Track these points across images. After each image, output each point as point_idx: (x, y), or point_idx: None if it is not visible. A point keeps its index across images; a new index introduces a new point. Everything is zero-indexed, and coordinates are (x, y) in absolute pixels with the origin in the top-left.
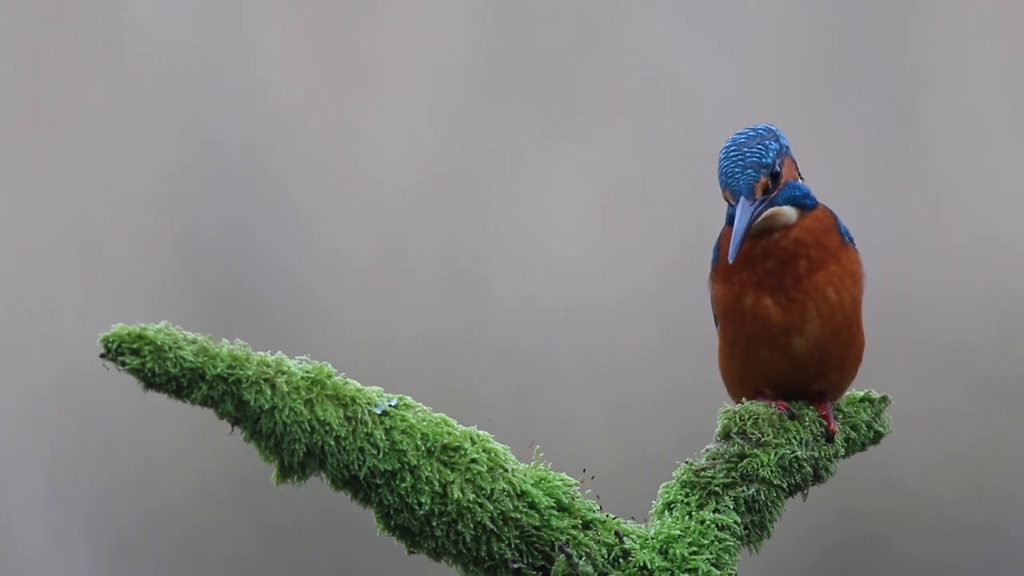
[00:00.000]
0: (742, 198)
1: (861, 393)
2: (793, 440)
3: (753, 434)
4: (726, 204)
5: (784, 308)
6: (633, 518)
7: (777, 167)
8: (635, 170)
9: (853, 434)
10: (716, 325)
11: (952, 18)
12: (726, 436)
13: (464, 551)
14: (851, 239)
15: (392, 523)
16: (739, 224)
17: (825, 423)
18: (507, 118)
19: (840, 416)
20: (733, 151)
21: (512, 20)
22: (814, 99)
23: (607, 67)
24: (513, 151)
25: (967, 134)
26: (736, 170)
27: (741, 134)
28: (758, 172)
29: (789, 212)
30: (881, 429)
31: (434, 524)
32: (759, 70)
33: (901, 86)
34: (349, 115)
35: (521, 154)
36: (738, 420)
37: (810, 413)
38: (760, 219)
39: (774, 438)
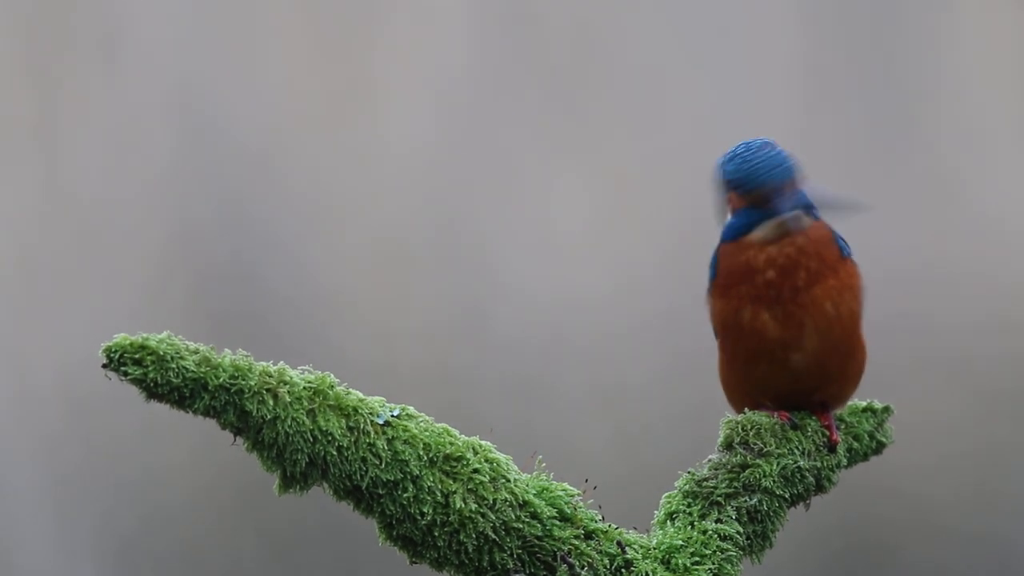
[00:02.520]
0: (783, 192)
1: (864, 403)
2: (795, 450)
3: (755, 444)
4: (724, 218)
5: (782, 323)
6: (635, 528)
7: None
8: (639, 185)
9: (855, 444)
10: (716, 338)
11: (955, 27)
12: (728, 446)
13: (466, 561)
14: (849, 252)
15: (394, 533)
16: (790, 204)
17: (827, 433)
18: (508, 129)
19: (842, 426)
20: (751, 156)
21: (514, 31)
22: (815, 109)
23: (608, 77)
24: (514, 163)
25: (970, 145)
26: (764, 168)
27: (749, 143)
28: (788, 171)
29: (806, 219)
30: (883, 439)
31: (436, 534)
32: (760, 79)
33: (902, 100)
34: (351, 127)
35: (523, 167)
36: (740, 430)
37: (812, 423)
38: (791, 218)
39: (776, 448)
